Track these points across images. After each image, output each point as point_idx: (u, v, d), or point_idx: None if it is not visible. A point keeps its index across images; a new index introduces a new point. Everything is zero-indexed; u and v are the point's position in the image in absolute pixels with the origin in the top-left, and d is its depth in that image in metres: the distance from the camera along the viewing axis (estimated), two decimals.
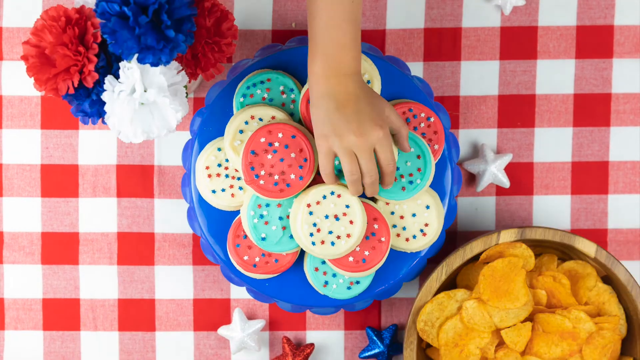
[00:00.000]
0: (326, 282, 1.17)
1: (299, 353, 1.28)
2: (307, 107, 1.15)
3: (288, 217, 1.15)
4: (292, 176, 1.13)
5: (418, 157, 1.17)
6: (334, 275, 1.17)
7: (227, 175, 1.17)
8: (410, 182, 1.16)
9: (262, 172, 1.13)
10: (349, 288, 1.17)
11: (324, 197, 1.13)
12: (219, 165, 1.17)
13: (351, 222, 1.14)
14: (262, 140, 1.13)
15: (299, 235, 1.14)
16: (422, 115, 1.17)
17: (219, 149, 1.17)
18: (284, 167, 1.13)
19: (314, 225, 1.13)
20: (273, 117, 1.16)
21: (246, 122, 1.16)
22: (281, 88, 1.17)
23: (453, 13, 1.29)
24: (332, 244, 1.13)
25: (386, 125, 1.08)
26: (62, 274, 1.30)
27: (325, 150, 1.08)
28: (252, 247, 1.17)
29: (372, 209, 1.15)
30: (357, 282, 1.17)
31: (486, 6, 1.29)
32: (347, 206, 1.13)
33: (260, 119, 1.15)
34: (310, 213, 1.13)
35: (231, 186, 1.17)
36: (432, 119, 1.17)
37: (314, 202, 1.13)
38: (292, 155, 1.13)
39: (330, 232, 1.13)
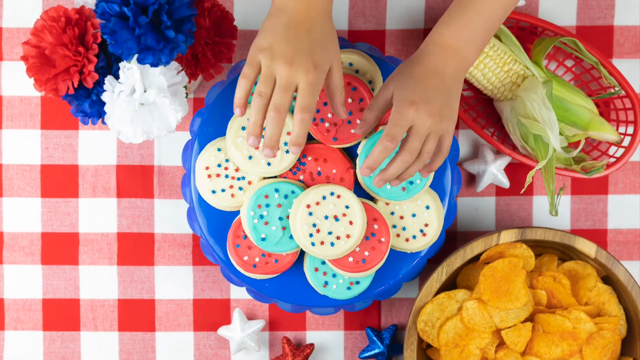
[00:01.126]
0: (326, 283, 1.17)
1: (299, 353, 1.28)
2: None
3: (288, 217, 1.15)
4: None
5: None
6: (334, 275, 1.17)
7: (227, 176, 1.17)
8: (411, 183, 1.16)
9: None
10: (348, 288, 1.17)
11: (324, 197, 1.13)
12: (219, 165, 1.17)
13: (351, 222, 1.14)
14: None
15: (298, 235, 1.14)
16: None
17: (219, 149, 1.17)
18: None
19: (314, 225, 1.13)
20: None
21: (248, 120, 1.16)
22: None
23: None
24: (332, 244, 1.13)
25: (322, 70, 1.00)
26: (62, 274, 1.30)
27: (254, 61, 1.00)
28: (252, 247, 1.17)
29: (372, 209, 1.15)
30: (357, 282, 1.17)
31: None
32: (347, 207, 1.14)
33: None
34: (310, 214, 1.13)
35: (231, 186, 1.17)
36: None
37: (313, 202, 1.13)
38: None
39: (330, 233, 1.13)
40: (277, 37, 0.98)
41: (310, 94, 0.99)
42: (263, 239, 1.15)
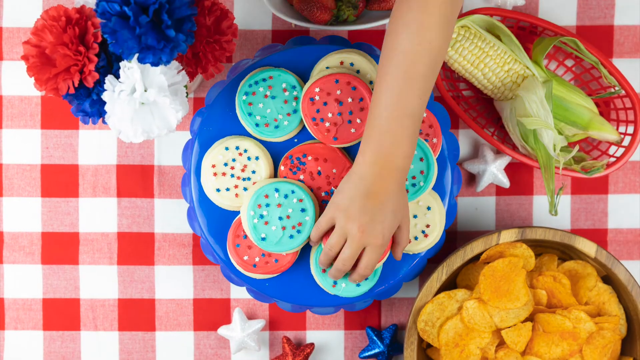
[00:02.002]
0: (335, 282, 1.17)
1: (299, 353, 1.28)
2: (309, 104, 1.15)
3: (288, 217, 1.15)
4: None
5: (421, 159, 1.17)
6: None
7: (232, 175, 1.17)
8: (413, 185, 1.16)
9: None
10: (358, 285, 1.17)
11: None
12: (226, 164, 1.17)
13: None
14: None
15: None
16: None
17: (227, 148, 1.17)
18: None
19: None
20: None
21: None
22: (283, 85, 1.17)
23: None
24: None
25: (389, 238, 1.09)
26: (62, 274, 1.30)
27: (330, 216, 1.09)
28: (252, 247, 1.17)
29: None
30: (366, 279, 1.17)
31: (486, 6, 1.29)
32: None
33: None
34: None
35: (236, 186, 1.17)
36: (424, 115, 1.17)
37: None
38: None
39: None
40: (355, 202, 1.07)
41: (376, 256, 1.10)
42: (263, 239, 1.15)
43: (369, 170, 1.06)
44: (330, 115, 1.16)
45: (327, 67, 1.17)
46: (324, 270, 1.16)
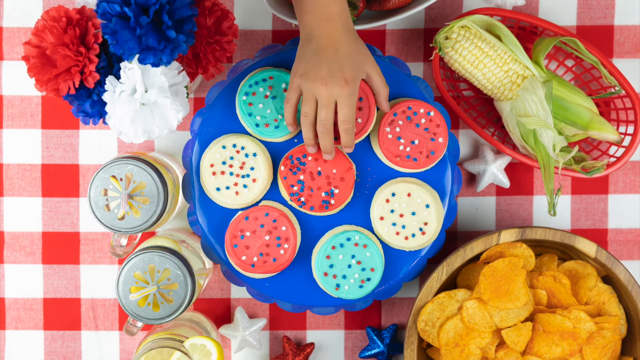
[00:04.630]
0: (337, 285, 1.17)
1: (299, 352, 1.28)
2: None
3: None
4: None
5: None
6: (344, 277, 1.17)
7: (231, 173, 1.17)
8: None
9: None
10: (360, 287, 1.17)
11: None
12: (224, 163, 1.17)
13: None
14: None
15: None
16: (422, 111, 1.17)
17: (224, 147, 1.17)
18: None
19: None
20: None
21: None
22: (283, 85, 1.17)
23: (453, 13, 1.29)
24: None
25: (355, 82, 1.09)
26: (62, 273, 1.30)
27: (294, 87, 1.11)
28: (250, 247, 1.17)
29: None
30: (368, 279, 1.17)
31: (486, 6, 1.29)
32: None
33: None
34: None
35: (235, 184, 1.17)
36: (432, 114, 1.17)
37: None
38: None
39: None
40: (310, 62, 1.09)
41: (348, 106, 1.09)
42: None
43: (309, 28, 1.09)
44: None
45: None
46: (312, 147, 1.15)
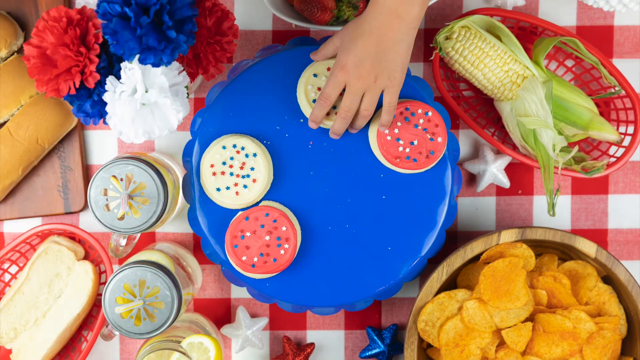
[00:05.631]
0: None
1: (300, 352, 1.28)
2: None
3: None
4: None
5: None
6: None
7: (231, 174, 1.17)
8: None
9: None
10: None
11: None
12: (224, 163, 1.17)
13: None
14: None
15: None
16: (420, 111, 1.18)
17: (224, 147, 1.17)
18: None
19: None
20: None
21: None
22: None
23: (453, 14, 1.29)
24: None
25: (395, 86, 1.11)
26: None
27: (339, 81, 1.11)
28: (250, 247, 1.17)
29: None
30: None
31: (486, 6, 1.29)
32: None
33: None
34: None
35: (236, 184, 1.17)
36: (430, 114, 1.18)
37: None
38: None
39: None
40: (366, 59, 1.08)
41: (372, 99, 1.12)
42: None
43: (379, 16, 1.07)
44: None
45: (315, 75, 1.18)
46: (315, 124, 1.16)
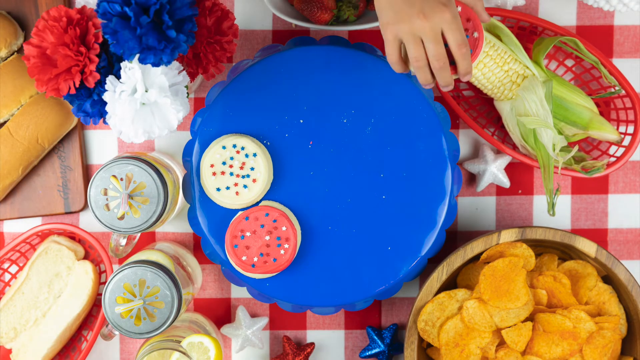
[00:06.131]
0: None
1: (300, 352, 1.28)
2: None
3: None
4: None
5: None
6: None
7: (231, 174, 1.17)
8: None
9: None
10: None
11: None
12: (224, 163, 1.17)
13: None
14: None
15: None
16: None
17: (224, 147, 1.17)
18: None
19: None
20: None
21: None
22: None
23: None
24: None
25: (453, 4, 1.02)
26: None
27: (390, 38, 1.03)
28: (250, 247, 1.17)
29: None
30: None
31: (486, 6, 1.29)
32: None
33: None
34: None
35: (236, 184, 1.17)
36: (460, 8, 1.10)
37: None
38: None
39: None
40: (397, 5, 1.01)
41: (456, 29, 1.02)
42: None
43: None
44: None
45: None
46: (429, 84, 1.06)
